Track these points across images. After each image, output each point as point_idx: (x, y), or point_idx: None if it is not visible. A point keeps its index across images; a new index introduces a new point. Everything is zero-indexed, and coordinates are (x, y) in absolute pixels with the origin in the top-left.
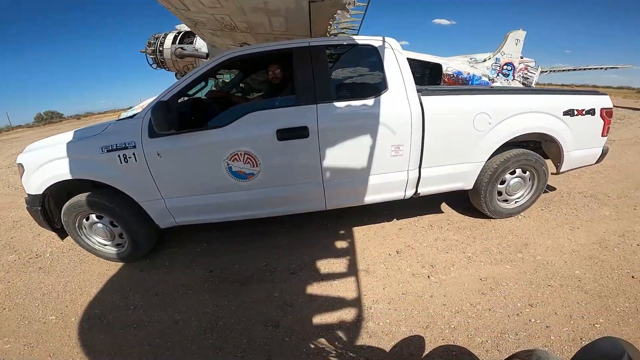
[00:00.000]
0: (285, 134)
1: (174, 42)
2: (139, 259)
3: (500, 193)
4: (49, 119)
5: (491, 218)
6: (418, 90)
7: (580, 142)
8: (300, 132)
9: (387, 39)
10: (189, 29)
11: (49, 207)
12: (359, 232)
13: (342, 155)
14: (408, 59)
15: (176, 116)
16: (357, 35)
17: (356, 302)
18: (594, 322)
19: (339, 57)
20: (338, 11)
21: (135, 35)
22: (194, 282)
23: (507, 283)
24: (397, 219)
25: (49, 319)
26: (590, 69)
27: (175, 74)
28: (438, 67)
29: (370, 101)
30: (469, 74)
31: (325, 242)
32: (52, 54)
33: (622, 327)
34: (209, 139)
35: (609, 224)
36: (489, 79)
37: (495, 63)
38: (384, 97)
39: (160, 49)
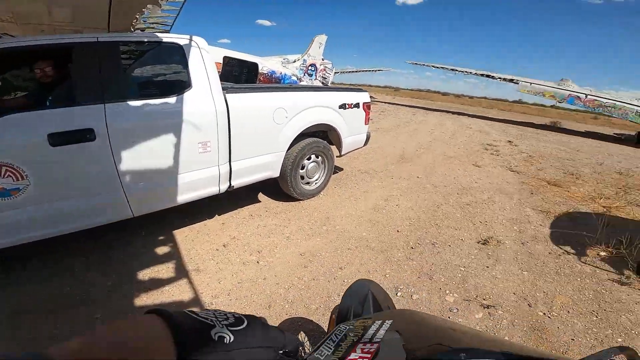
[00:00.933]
0: (61, 139)
1: None
2: None
3: (302, 177)
4: None
5: (299, 200)
6: (223, 89)
7: (351, 129)
8: (83, 135)
9: (194, 37)
10: None
11: None
12: (181, 234)
13: (144, 156)
14: (228, 57)
15: None
16: (169, 32)
17: (195, 301)
18: (384, 274)
19: (139, 54)
20: (148, 5)
21: None
22: None
23: (321, 253)
24: (219, 215)
25: None
26: (366, 70)
27: None
28: (255, 66)
29: (172, 99)
30: (281, 73)
31: (143, 251)
32: None
33: (401, 273)
34: None
35: (378, 192)
36: (297, 78)
37: (303, 64)
38: (187, 95)
39: None
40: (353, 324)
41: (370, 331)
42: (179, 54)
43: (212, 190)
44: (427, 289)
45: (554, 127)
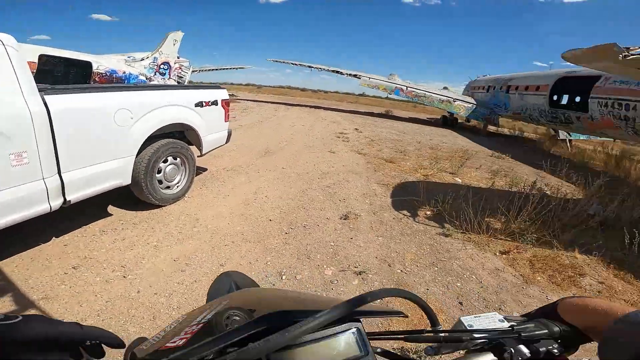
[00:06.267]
0: None
1: None
2: None
3: (161, 181)
4: None
5: (161, 206)
6: (41, 90)
7: (211, 127)
8: None
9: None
10: None
11: None
12: (8, 265)
13: None
14: (45, 55)
15: None
16: None
17: None
18: (266, 262)
19: None
20: None
21: None
22: None
23: (197, 255)
24: (57, 237)
25: None
26: (225, 68)
27: None
28: (87, 64)
29: None
30: (124, 72)
31: None
32: None
33: (282, 259)
34: None
35: (246, 187)
36: (147, 78)
37: (153, 62)
38: None
39: None
40: (192, 311)
41: (204, 314)
42: None
43: (40, 208)
44: (308, 268)
45: (387, 115)
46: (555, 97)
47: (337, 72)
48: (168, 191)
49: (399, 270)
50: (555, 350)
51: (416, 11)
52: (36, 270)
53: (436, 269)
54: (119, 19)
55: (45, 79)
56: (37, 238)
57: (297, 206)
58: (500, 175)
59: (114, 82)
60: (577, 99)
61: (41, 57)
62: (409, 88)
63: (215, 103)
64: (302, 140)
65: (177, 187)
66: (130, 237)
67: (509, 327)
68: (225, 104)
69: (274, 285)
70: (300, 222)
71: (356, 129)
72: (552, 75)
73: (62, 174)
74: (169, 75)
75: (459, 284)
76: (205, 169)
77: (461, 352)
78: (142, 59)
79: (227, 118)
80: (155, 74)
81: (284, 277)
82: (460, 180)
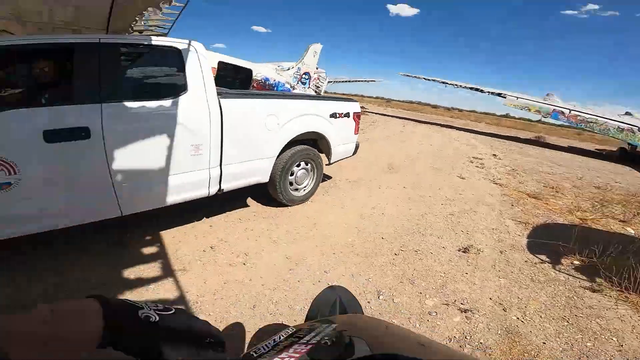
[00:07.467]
0: (57, 136)
1: None
2: None
3: (291, 183)
4: None
5: (287, 206)
6: (218, 94)
7: (341, 138)
8: (78, 134)
9: (193, 42)
10: None
11: None
12: (168, 235)
13: (137, 157)
14: (223, 62)
15: None
16: (167, 35)
17: (180, 300)
18: (368, 278)
19: (138, 56)
20: (149, 8)
21: None
22: None
23: (307, 257)
24: (207, 217)
25: None
26: (360, 81)
27: None
28: (249, 72)
29: (167, 102)
30: (275, 80)
31: (128, 252)
32: None
33: (384, 278)
34: None
35: (365, 200)
36: (291, 86)
37: (297, 72)
38: (183, 98)
39: None
40: (300, 326)
41: (313, 334)
42: (177, 58)
43: (201, 192)
44: (408, 293)
45: (538, 142)
46: None
47: (477, 89)
48: (296, 193)
49: (514, 317)
50: None
51: (582, 23)
52: (185, 243)
53: (566, 323)
54: (271, 31)
55: (221, 83)
56: (193, 216)
57: (413, 229)
58: None
59: (267, 89)
60: None
61: (220, 63)
62: (572, 111)
63: (347, 115)
64: (429, 160)
65: (304, 190)
66: (258, 229)
67: None
68: (356, 116)
69: (369, 302)
70: (412, 245)
71: (494, 154)
72: None
73: (222, 167)
74: (309, 85)
75: (589, 344)
76: (330, 177)
77: None
78: (289, 69)
79: (356, 131)
80: (297, 83)
81: (381, 297)
82: (633, 232)
